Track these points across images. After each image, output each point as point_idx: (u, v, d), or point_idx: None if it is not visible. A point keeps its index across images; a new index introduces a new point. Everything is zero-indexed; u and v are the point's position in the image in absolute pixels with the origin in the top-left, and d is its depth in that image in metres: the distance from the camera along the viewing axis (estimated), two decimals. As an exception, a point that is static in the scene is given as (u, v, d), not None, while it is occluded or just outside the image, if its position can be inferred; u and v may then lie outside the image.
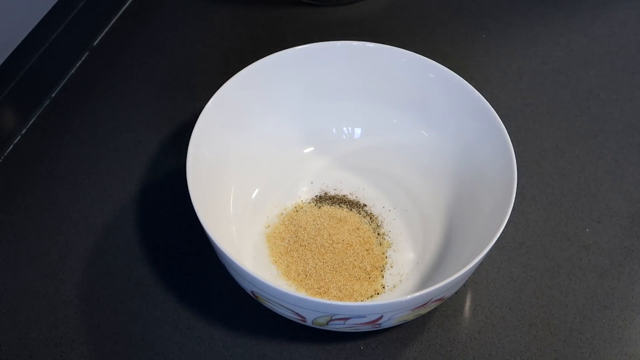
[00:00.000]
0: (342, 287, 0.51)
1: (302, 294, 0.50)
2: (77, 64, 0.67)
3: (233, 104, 0.55)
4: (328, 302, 0.44)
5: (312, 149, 0.59)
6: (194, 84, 0.66)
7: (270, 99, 0.57)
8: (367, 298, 0.51)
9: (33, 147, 0.61)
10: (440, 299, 0.47)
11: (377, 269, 0.53)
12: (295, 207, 0.56)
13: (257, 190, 0.57)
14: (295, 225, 0.55)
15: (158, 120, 0.63)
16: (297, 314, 0.46)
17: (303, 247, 0.53)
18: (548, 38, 0.70)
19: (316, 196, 0.57)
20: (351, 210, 0.56)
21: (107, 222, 0.56)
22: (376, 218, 0.56)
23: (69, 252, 0.55)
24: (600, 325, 0.51)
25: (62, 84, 0.66)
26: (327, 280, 0.52)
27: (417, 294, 0.43)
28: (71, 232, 0.56)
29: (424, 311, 0.47)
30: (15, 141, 0.61)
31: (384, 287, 0.52)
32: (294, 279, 0.52)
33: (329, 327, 0.47)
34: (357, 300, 0.51)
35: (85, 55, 0.68)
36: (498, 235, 0.46)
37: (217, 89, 0.53)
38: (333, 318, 0.45)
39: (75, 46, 0.68)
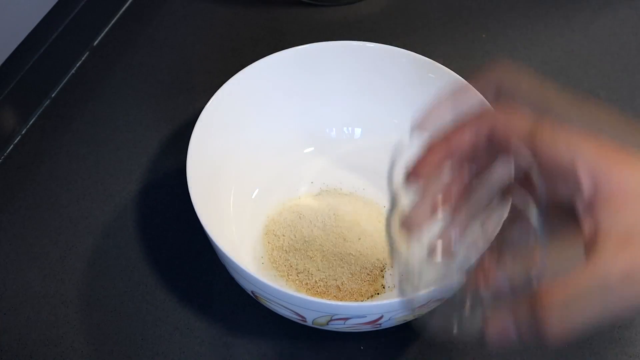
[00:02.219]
0: (342, 287, 0.52)
1: (302, 294, 0.50)
2: (77, 64, 0.67)
3: (233, 104, 0.55)
4: (328, 302, 0.44)
5: (312, 149, 0.59)
6: (194, 84, 0.66)
7: (270, 99, 0.57)
8: (367, 298, 0.51)
9: (33, 147, 0.61)
10: (440, 299, 0.47)
11: (377, 268, 0.53)
12: (296, 207, 0.56)
13: (257, 190, 0.57)
14: (295, 225, 0.55)
15: (158, 120, 0.63)
16: (297, 314, 0.46)
17: (303, 247, 0.53)
18: (548, 38, 0.70)
19: (316, 196, 0.57)
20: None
21: (107, 222, 0.56)
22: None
23: (69, 252, 0.55)
24: (600, 325, 0.51)
25: (62, 84, 0.66)
26: (327, 280, 0.52)
27: (417, 294, 0.43)
28: (71, 232, 0.56)
29: (424, 311, 0.47)
30: (15, 141, 0.61)
31: (384, 287, 0.52)
32: (294, 279, 0.52)
33: (329, 327, 0.47)
34: (357, 300, 0.51)
35: (85, 55, 0.68)
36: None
37: (217, 89, 0.53)
38: (333, 318, 0.45)
39: (75, 46, 0.68)
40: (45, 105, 0.64)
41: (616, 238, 0.30)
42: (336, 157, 0.59)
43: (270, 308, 0.48)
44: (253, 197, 0.57)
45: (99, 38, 0.70)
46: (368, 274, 0.52)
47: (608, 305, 0.31)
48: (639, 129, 0.35)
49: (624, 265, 0.30)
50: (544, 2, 0.73)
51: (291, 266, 0.52)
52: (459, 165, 0.35)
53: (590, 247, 0.31)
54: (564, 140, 0.32)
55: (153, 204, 0.58)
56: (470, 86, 0.39)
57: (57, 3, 0.66)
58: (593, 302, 0.31)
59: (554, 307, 0.31)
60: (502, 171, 0.34)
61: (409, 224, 0.37)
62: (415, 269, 0.39)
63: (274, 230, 0.55)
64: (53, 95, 0.65)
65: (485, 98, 0.36)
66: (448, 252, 0.36)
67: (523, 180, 0.33)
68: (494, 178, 0.35)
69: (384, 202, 0.57)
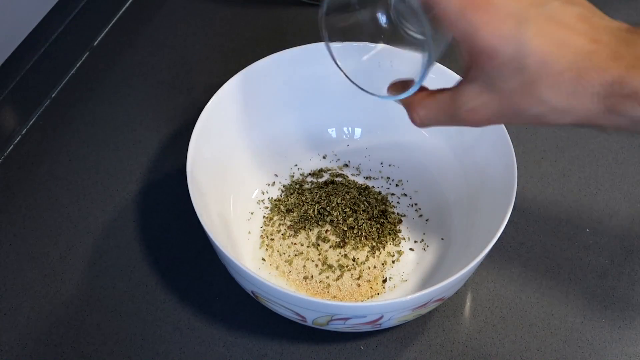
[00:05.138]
0: (342, 287, 0.52)
1: (302, 294, 0.50)
2: (77, 64, 0.67)
3: (233, 104, 0.55)
4: (328, 302, 0.44)
5: (312, 149, 0.59)
6: (194, 84, 0.66)
7: (270, 99, 0.57)
8: (367, 298, 0.51)
9: (33, 147, 0.61)
10: (440, 299, 0.47)
11: (377, 269, 0.53)
12: (296, 207, 0.56)
13: (257, 190, 0.57)
14: (295, 225, 0.55)
15: (158, 120, 0.63)
16: (297, 314, 0.46)
17: (303, 247, 0.53)
18: (548, 38, 0.70)
19: (317, 196, 0.57)
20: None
21: (107, 222, 0.56)
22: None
23: (69, 252, 0.55)
24: (600, 325, 0.51)
25: (62, 84, 0.66)
26: (327, 281, 0.52)
27: (418, 294, 0.43)
28: (71, 232, 0.56)
29: (424, 311, 0.47)
30: (15, 141, 0.61)
31: (384, 287, 0.52)
32: (294, 279, 0.52)
33: (329, 327, 0.47)
34: (357, 300, 0.51)
35: (85, 55, 0.68)
36: (498, 235, 0.46)
37: (217, 89, 0.53)
38: (333, 318, 0.45)
39: (75, 46, 0.68)
40: (45, 105, 0.64)
41: (480, 85, 0.37)
42: (336, 157, 0.59)
43: (270, 308, 0.48)
44: (253, 197, 0.57)
45: (99, 38, 0.70)
46: (368, 275, 0.52)
47: (454, 122, 0.40)
48: None
49: (478, 108, 0.38)
50: (544, 2, 0.73)
51: (291, 266, 0.52)
52: None
53: (464, 77, 0.39)
54: None
55: (153, 204, 0.58)
56: None
57: (57, 3, 0.66)
58: (446, 116, 0.40)
59: (420, 108, 0.41)
60: None
61: None
62: None
63: (274, 230, 0.55)
64: (53, 95, 0.65)
65: None
66: None
67: None
68: None
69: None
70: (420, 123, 0.42)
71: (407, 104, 0.42)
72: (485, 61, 0.36)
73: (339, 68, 0.45)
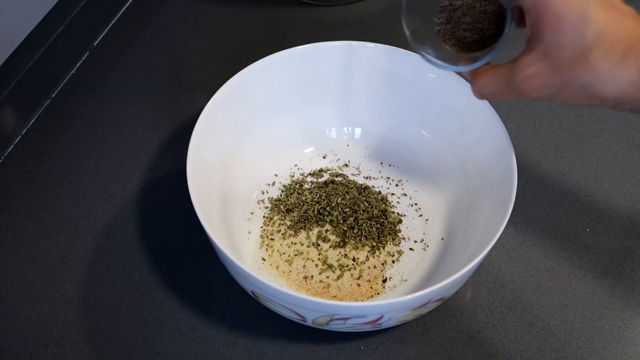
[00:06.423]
0: (342, 287, 0.52)
1: (302, 294, 0.50)
2: (77, 64, 0.67)
3: (233, 104, 0.55)
4: (328, 302, 0.44)
5: (312, 149, 0.59)
6: (194, 84, 0.66)
7: (270, 99, 0.57)
8: (367, 298, 0.51)
9: (33, 147, 0.61)
10: (440, 299, 0.47)
11: (377, 269, 0.53)
12: (296, 207, 0.56)
13: (257, 190, 0.57)
14: (295, 225, 0.55)
15: (158, 120, 0.63)
16: (297, 314, 0.46)
17: (303, 247, 0.53)
18: (548, 38, 0.70)
19: (316, 196, 0.57)
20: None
21: (107, 222, 0.56)
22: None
23: (69, 252, 0.55)
24: (600, 325, 0.51)
25: (62, 84, 0.66)
26: (327, 281, 0.52)
27: (418, 294, 0.43)
28: (71, 232, 0.56)
29: (424, 311, 0.47)
30: (15, 141, 0.61)
31: (384, 287, 0.52)
32: (294, 279, 0.52)
33: (329, 327, 0.47)
34: (357, 300, 0.51)
35: (85, 55, 0.68)
36: (498, 235, 0.46)
37: (217, 89, 0.53)
38: (333, 318, 0.45)
39: (75, 46, 0.68)
40: (45, 105, 0.64)
41: (537, 54, 0.40)
42: (336, 157, 0.59)
43: (270, 308, 0.48)
44: (253, 197, 0.57)
45: (99, 38, 0.70)
46: (368, 274, 0.52)
47: (509, 91, 0.43)
48: None
49: (531, 76, 0.41)
50: (544, 2, 0.73)
51: (291, 266, 0.53)
52: None
53: (526, 44, 0.41)
54: None
55: (153, 204, 0.58)
56: None
57: (57, 3, 0.66)
58: (502, 85, 0.43)
59: (481, 77, 0.44)
60: None
61: None
62: None
63: (273, 230, 0.55)
64: (53, 95, 0.65)
65: None
66: None
67: None
68: None
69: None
70: (479, 93, 0.45)
71: (472, 75, 0.45)
72: (549, 26, 0.39)
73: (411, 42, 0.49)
